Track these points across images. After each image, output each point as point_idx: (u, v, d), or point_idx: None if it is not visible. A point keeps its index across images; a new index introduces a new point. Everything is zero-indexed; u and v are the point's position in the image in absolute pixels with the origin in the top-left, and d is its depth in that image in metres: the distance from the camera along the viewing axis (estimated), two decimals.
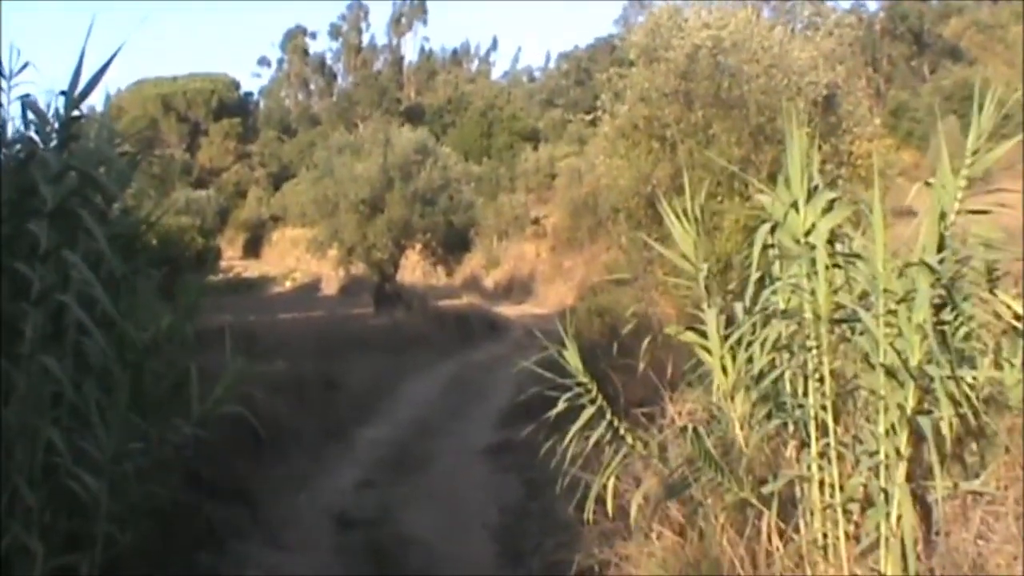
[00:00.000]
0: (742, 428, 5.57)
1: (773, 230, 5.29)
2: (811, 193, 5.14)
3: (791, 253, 5.21)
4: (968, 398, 4.62)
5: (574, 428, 5.67)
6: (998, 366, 5.05)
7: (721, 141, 14.47)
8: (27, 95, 5.82)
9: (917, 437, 4.68)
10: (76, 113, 5.85)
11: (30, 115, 5.87)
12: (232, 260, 49.35)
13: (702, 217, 6.09)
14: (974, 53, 57.88)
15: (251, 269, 47.97)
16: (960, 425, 4.70)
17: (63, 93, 5.78)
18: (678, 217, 5.94)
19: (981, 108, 5.09)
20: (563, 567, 5.89)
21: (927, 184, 5.16)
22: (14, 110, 5.87)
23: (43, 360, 5.26)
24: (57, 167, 5.58)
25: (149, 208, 6.79)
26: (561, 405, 5.76)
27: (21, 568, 5.17)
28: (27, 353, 5.28)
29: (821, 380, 5.00)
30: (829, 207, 5.12)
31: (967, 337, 4.89)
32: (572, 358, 5.79)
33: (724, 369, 5.67)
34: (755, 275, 5.44)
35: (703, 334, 5.83)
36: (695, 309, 6.04)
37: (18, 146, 5.94)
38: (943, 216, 5.02)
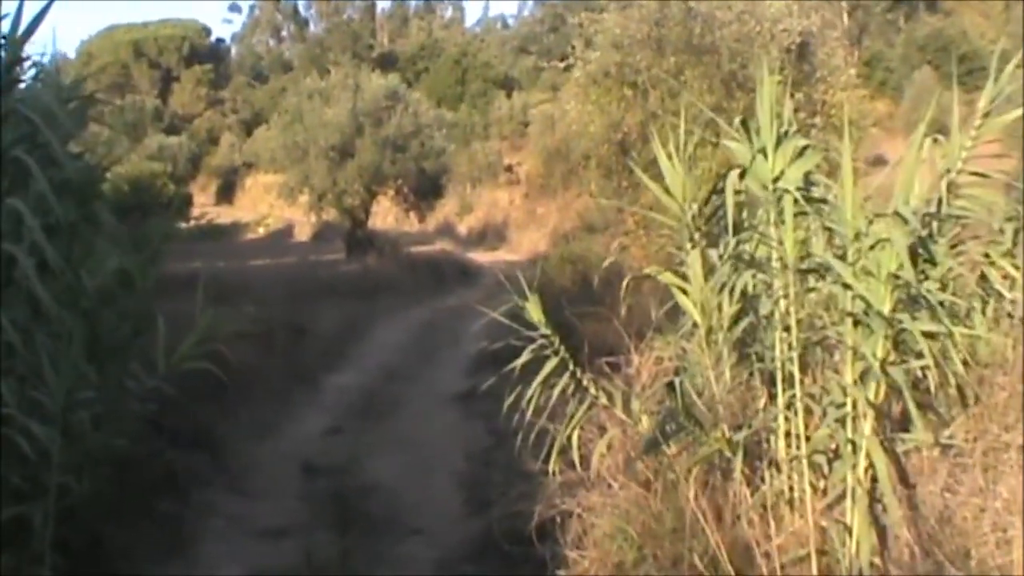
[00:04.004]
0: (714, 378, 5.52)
1: (743, 177, 5.20)
2: (781, 139, 5.04)
3: (758, 199, 5.13)
4: (944, 350, 4.57)
5: (536, 380, 5.63)
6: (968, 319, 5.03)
7: (693, 88, 14.36)
8: None
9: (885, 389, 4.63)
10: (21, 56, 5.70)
11: None
12: (205, 206, 49.10)
13: (694, 155, 6.01)
14: (949, 4, 57.82)
15: (224, 215, 47.72)
16: (933, 376, 4.64)
17: (3, 37, 5.63)
18: (669, 156, 5.85)
19: (1000, 71, 5.06)
20: (525, 517, 5.83)
21: (934, 140, 5.12)
22: None
23: None
24: None
25: (102, 154, 6.63)
26: (525, 356, 5.71)
27: None
28: None
29: (787, 330, 4.94)
30: (799, 154, 5.03)
31: (943, 289, 4.82)
32: (534, 311, 5.73)
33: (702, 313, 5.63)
34: (730, 222, 5.34)
35: (681, 277, 5.77)
36: (676, 251, 5.98)
37: None
38: (947, 172, 5.01)
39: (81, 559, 5.91)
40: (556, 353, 5.66)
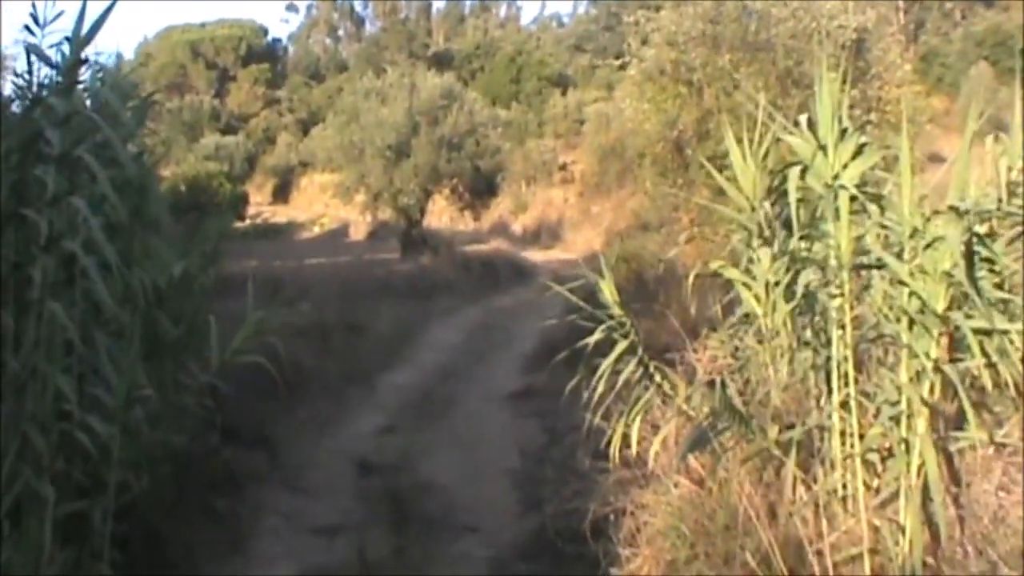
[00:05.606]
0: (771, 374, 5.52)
1: (803, 174, 5.18)
2: (840, 137, 5.03)
3: (818, 197, 5.12)
4: (1001, 349, 4.53)
5: (607, 361, 5.66)
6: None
7: (748, 85, 14.30)
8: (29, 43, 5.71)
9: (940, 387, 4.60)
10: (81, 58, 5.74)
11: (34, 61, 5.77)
12: (261, 206, 49.38)
13: (767, 153, 6.00)
14: None
15: (280, 214, 47.94)
16: (988, 375, 4.60)
17: (67, 38, 5.67)
18: (740, 151, 5.86)
19: None
20: (579, 515, 5.84)
21: (995, 138, 5.10)
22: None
23: (50, 306, 5.20)
24: (63, 112, 5.48)
25: (160, 154, 6.70)
26: (598, 335, 5.73)
27: (33, 515, 5.14)
28: (36, 299, 5.22)
29: (843, 328, 4.92)
30: (858, 151, 5.00)
31: (1000, 287, 4.78)
32: (608, 289, 5.75)
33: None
34: (794, 218, 5.32)
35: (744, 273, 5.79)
36: (738, 247, 5.99)
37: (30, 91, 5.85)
38: (1008, 169, 4.97)
39: (139, 555, 5.96)
40: (626, 336, 5.68)
